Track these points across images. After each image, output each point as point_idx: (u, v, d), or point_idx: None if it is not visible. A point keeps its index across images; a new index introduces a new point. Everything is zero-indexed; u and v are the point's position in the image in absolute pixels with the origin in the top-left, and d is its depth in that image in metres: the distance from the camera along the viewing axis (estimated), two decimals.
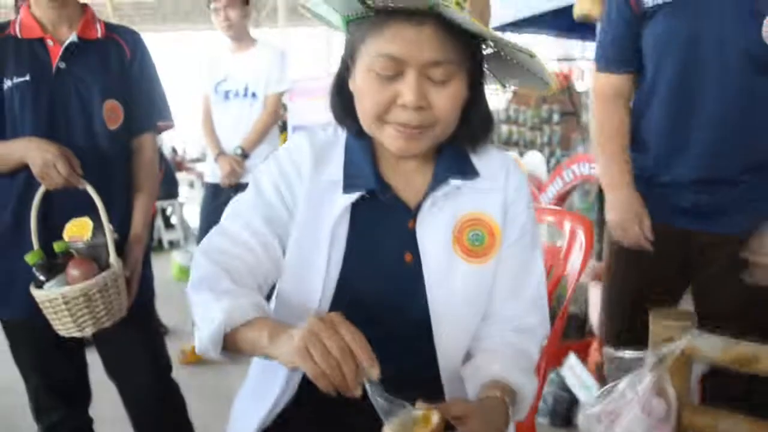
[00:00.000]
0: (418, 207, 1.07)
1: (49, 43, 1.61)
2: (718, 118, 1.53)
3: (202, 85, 3.37)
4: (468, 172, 1.08)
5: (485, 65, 1.09)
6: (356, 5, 0.96)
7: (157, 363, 1.86)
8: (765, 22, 1.45)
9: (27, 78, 1.57)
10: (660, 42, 1.58)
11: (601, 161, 1.73)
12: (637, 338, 1.55)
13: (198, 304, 0.95)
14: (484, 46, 1.04)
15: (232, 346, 0.91)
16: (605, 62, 1.72)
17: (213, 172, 3.33)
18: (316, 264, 1.05)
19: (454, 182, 1.07)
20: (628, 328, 1.69)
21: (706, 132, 1.54)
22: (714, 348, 1.08)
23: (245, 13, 3.26)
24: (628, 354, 1.17)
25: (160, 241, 6.65)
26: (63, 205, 1.57)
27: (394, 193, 1.08)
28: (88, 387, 1.86)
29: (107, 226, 1.52)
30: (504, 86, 1.14)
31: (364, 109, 1.01)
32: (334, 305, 1.06)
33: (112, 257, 1.53)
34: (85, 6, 1.70)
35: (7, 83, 1.57)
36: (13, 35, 1.60)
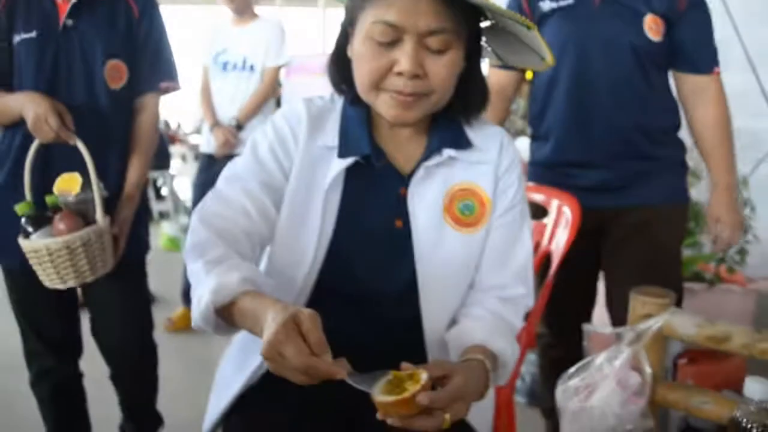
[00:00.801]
0: (411, 175, 1.09)
1: None
2: (613, 107, 1.72)
3: (203, 56, 3.37)
4: (462, 143, 1.10)
5: (483, 39, 1.10)
6: None
7: (141, 320, 1.91)
8: (645, 19, 1.67)
9: (33, 34, 1.59)
10: (556, 42, 1.71)
11: None
12: (566, 312, 1.83)
13: (192, 275, 0.96)
14: (482, 18, 1.05)
15: (227, 318, 0.91)
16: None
17: (208, 142, 3.34)
18: (308, 227, 1.07)
19: (448, 152, 1.08)
20: (559, 303, 1.80)
21: (604, 119, 1.73)
22: (689, 326, 1.12)
23: None
24: (606, 330, 1.21)
25: (150, 212, 6.62)
26: (61, 159, 1.58)
27: (387, 160, 1.09)
28: (80, 342, 1.89)
29: (95, 183, 1.53)
30: (501, 60, 1.16)
31: (361, 75, 1.02)
32: (325, 268, 1.09)
33: (99, 213, 1.54)
34: None
35: (17, 38, 1.59)
36: None
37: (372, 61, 0.99)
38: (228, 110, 3.27)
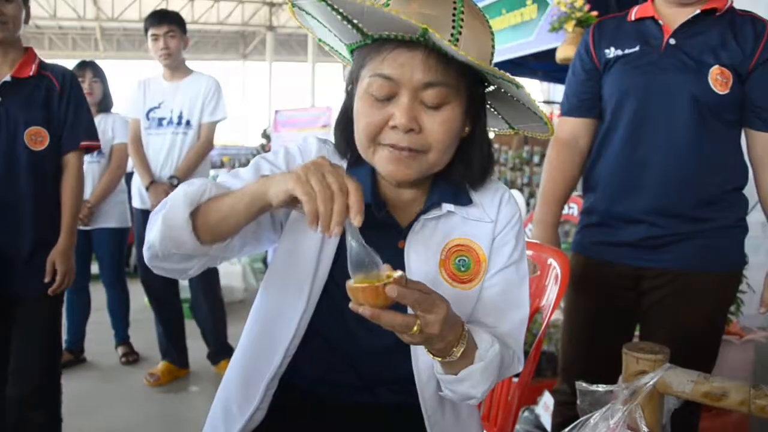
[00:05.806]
0: (409, 227, 1.08)
1: None
2: (670, 158, 1.65)
3: (130, 110, 3.37)
4: (462, 199, 1.09)
5: (490, 104, 1.11)
6: (355, 35, 0.99)
7: (46, 352, 2.09)
8: (710, 71, 1.61)
9: None
10: (617, 90, 1.71)
11: (540, 196, 1.88)
12: (594, 371, 1.61)
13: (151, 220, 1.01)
14: (485, 83, 1.05)
15: (203, 219, 0.95)
16: (567, 108, 1.85)
17: (142, 198, 3.29)
18: (303, 270, 1.06)
19: (447, 207, 1.08)
20: (587, 361, 1.75)
21: (656, 171, 1.66)
22: (685, 382, 1.09)
23: (184, 42, 3.30)
24: (601, 388, 1.18)
25: (136, 267, 6.58)
26: None
27: (388, 212, 1.08)
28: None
29: None
30: (513, 128, 1.14)
31: (359, 131, 1.02)
32: (317, 315, 1.07)
33: None
34: (27, 49, 2.10)
35: None
36: None
37: (369, 116, 0.99)
38: (164, 166, 3.24)
